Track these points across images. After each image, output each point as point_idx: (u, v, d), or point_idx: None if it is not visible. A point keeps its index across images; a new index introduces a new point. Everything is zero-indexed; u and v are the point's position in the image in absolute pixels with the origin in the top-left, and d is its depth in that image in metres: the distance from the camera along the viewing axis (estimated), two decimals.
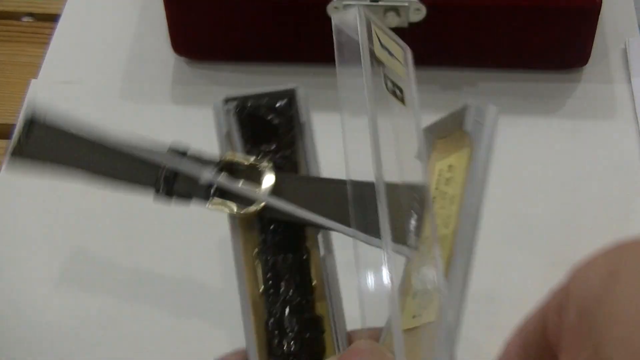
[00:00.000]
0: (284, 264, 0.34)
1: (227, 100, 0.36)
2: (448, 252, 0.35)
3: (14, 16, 0.68)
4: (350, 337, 0.34)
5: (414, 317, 0.34)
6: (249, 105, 0.35)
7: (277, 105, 0.36)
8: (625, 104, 0.60)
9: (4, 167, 0.58)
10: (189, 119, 0.61)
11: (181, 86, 0.63)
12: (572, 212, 0.55)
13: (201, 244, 0.53)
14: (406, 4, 0.56)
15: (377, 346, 0.31)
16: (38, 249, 0.54)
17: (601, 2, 0.57)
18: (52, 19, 0.67)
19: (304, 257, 0.34)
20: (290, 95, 0.36)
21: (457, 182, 0.38)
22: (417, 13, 0.57)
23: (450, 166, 0.40)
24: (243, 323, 0.33)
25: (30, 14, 0.69)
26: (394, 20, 0.57)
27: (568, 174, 0.57)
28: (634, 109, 0.60)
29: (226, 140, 0.37)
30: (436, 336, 0.32)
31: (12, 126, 0.60)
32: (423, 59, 0.62)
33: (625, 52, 0.63)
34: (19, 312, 0.52)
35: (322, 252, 0.35)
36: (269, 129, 0.35)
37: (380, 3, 0.56)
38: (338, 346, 0.33)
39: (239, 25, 0.60)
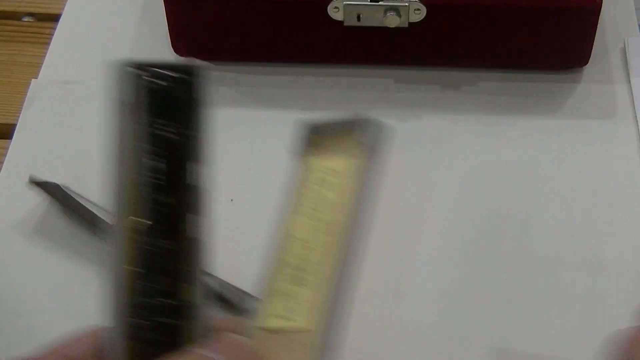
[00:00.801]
0: (158, 249, 0.33)
1: (134, 67, 0.35)
2: (330, 261, 0.35)
3: (15, 16, 0.69)
4: (216, 326, 0.34)
5: (279, 318, 0.35)
6: (157, 76, 0.35)
7: (184, 80, 0.35)
8: (625, 103, 0.60)
9: (4, 166, 0.58)
10: None
11: None
12: (572, 211, 0.55)
13: None
14: (406, 4, 0.56)
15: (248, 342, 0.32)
16: (37, 247, 0.54)
17: (601, 2, 0.57)
18: (53, 18, 0.67)
19: (178, 245, 0.33)
20: (195, 72, 0.35)
21: (343, 190, 0.38)
22: (418, 13, 0.57)
23: (334, 170, 0.39)
24: (107, 302, 0.32)
25: (31, 14, 0.69)
26: (394, 20, 0.57)
27: (567, 174, 0.57)
28: (634, 108, 0.60)
29: (127, 108, 0.37)
30: (312, 347, 0.33)
31: (13, 126, 0.60)
32: (423, 59, 0.62)
33: (624, 52, 0.63)
34: (18, 312, 0.52)
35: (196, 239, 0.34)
36: (172, 104, 0.34)
37: (380, 3, 0.56)
38: (201, 334, 0.33)
39: (239, 26, 0.60)
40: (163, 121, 0.33)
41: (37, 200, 0.57)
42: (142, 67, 0.34)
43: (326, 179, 0.39)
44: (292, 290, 0.36)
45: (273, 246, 0.37)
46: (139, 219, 0.32)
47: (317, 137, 0.41)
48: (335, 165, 0.39)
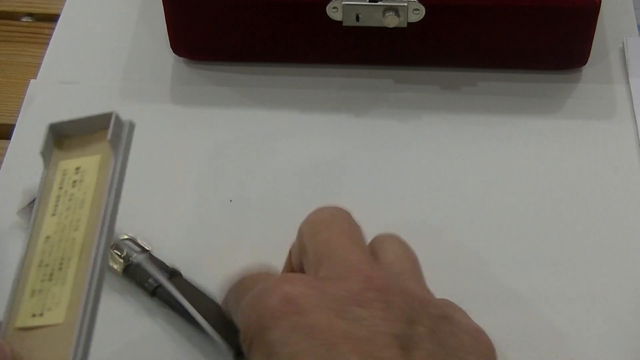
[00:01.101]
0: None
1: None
2: (78, 255, 0.37)
3: (13, 16, 0.68)
4: None
5: (33, 316, 0.36)
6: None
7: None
8: (624, 103, 0.60)
9: (3, 166, 0.58)
10: (188, 119, 0.61)
11: (180, 86, 0.63)
12: (571, 212, 0.55)
13: None
14: (405, 4, 0.56)
15: None
16: None
17: (600, 2, 0.57)
18: (52, 19, 0.67)
19: None
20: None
21: (88, 186, 0.39)
22: (417, 13, 0.57)
23: (78, 168, 0.40)
24: None
25: (30, 14, 0.69)
26: (393, 20, 0.57)
27: (567, 174, 0.57)
28: (632, 108, 0.60)
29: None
30: (68, 339, 0.34)
31: (12, 126, 0.60)
32: (422, 59, 0.62)
33: (623, 52, 0.63)
34: None
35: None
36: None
37: (379, 3, 0.56)
38: None
39: (238, 26, 0.60)
40: None
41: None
42: None
43: (74, 179, 0.40)
44: (43, 287, 0.37)
45: (23, 250, 0.38)
46: None
47: (64, 138, 0.42)
48: (82, 164, 0.40)
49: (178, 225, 0.55)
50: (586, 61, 0.61)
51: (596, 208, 0.55)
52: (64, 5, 0.68)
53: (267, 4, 0.58)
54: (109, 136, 0.40)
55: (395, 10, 0.56)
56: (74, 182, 0.40)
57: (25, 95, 0.62)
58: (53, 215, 0.39)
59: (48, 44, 0.65)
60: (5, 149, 0.59)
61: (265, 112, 0.61)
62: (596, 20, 0.58)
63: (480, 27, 0.59)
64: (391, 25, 0.57)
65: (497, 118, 0.60)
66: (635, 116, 0.59)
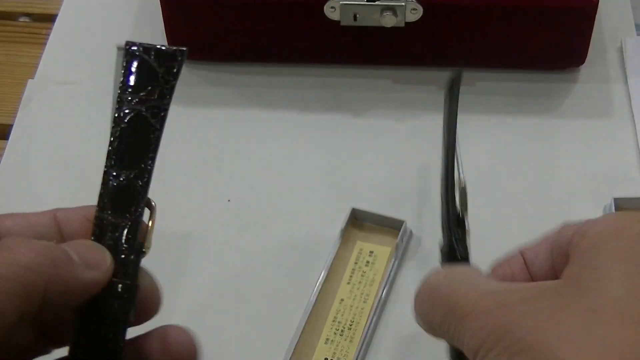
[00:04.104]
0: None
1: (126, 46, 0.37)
2: (364, 322, 0.50)
3: (11, 16, 0.68)
4: None
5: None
6: (139, 50, 0.37)
7: (162, 56, 0.37)
8: (622, 103, 0.60)
9: (1, 166, 0.58)
10: (188, 119, 0.61)
11: (179, 87, 0.62)
12: (571, 211, 0.55)
13: None
14: (403, 4, 0.56)
15: None
16: None
17: (598, 2, 0.57)
18: (49, 19, 0.67)
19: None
20: (179, 55, 0.37)
21: (378, 270, 0.52)
22: (414, 13, 0.57)
23: (371, 252, 0.53)
24: None
25: (27, 14, 0.69)
26: (390, 20, 0.57)
27: (566, 174, 0.57)
28: (630, 108, 0.60)
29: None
30: None
31: (9, 126, 0.60)
32: (420, 59, 0.62)
33: (621, 52, 0.63)
34: None
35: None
36: (149, 76, 0.36)
37: (377, 3, 0.56)
38: None
39: (237, 26, 0.60)
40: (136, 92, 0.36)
41: (34, 200, 0.57)
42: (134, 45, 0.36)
43: (368, 260, 0.52)
44: (334, 339, 0.49)
45: (320, 304, 0.50)
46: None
47: (362, 222, 0.54)
48: (375, 250, 0.53)
49: (177, 225, 0.55)
50: (584, 61, 0.61)
51: (595, 207, 0.55)
52: (61, 5, 0.68)
53: (264, 4, 0.58)
54: (397, 240, 0.52)
55: (392, 9, 0.56)
56: (367, 262, 0.52)
57: (23, 95, 0.62)
58: (348, 283, 0.51)
59: (46, 44, 0.65)
60: (4, 149, 0.59)
61: (263, 112, 0.61)
62: (594, 20, 0.58)
63: (478, 27, 0.59)
64: (389, 25, 0.57)
65: (495, 117, 0.60)
66: (633, 115, 0.59)
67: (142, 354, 0.34)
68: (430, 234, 0.54)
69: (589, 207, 0.55)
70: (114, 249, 0.33)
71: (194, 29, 0.61)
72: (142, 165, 0.34)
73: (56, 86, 0.63)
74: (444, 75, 0.63)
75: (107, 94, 0.62)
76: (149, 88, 0.35)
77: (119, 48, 0.36)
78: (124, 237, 0.33)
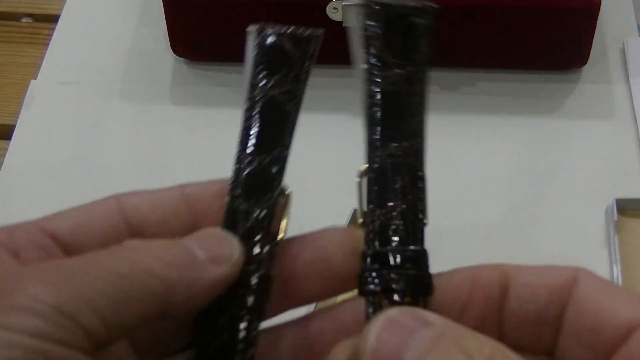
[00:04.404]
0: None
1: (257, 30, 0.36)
2: None
3: (13, 17, 0.68)
4: None
5: None
6: (272, 33, 0.35)
7: (297, 39, 0.35)
8: (624, 104, 0.60)
9: (3, 166, 0.58)
10: (188, 119, 0.61)
11: (180, 87, 0.63)
12: (572, 212, 0.55)
13: None
14: None
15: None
16: None
17: (600, 2, 0.57)
18: (52, 19, 0.67)
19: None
20: (315, 39, 0.35)
21: None
22: None
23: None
24: None
25: (30, 15, 0.69)
26: None
27: (567, 174, 0.57)
28: (633, 109, 0.60)
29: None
30: None
31: (12, 127, 0.60)
32: None
33: (623, 52, 0.63)
34: None
35: None
36: (282, 60, 0.34)
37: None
38: None
39: (238, 26, 0.60)
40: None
41: (35, 201, 0.57)
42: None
43: None
44: None
45: (321, 305, 0.40)
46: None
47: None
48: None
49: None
50: (586, 61, 0.61)
51: (596, 208, 0.55)
52: (63, 5, 0.68)
53: (266, 5, 0.58)
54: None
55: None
56: None
57: (25, 95, 0.62)
58: None
59: (48, 44, 0.65)
60: (6, 149, 0.59)
61: None
62: (596, 20, 0.58)
63: (479, 27, 0.59)
64: None
65: (497, 118, 0.60)
66: (635, 116, 0.59)
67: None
68: (430, 234, 0.54)
69: (590, 208, 0.55)
70: (247, 239, 0.31)
71: (195, 29, 0.61)
72: (277, 151, 0.33)
73: (58, 86, 0.63)
74: (444, 76, 0.64)
75: (110, 94, 0.62)
76: (283, 72, 0.34)
77: (249, 32, 0.35)
78: (257, 226, 0.31)
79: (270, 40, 0.34)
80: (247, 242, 0.31)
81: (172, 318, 0.28)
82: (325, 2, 0.57)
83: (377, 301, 0.29)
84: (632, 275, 0.52)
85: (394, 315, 0.26)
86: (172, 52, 0.63)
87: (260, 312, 0.30)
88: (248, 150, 0.33)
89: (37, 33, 0.67)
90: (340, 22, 0.58)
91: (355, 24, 0.34)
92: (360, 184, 0.33)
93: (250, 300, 0.30)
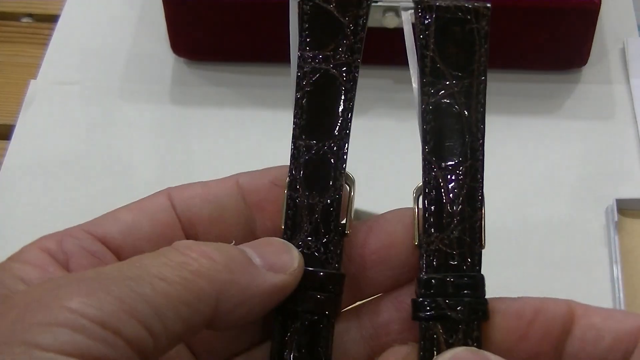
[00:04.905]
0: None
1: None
2: None
3: (13, 17, 0.68)
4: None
5: None
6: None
7: (346, 6, 0.31)
8: (624, 104, 0.60)
9: (3, 166, 0.58)
10: (188, 119, 0.61)
11: (180, 87, 0.63)
12: (573, 213, 0.55)
13: None
14: None
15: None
16: None
17: (600, 2, 0.57)
18: (51, 19, 0.67)
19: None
20: (365, 2, 0.31)
21: None
22: None
23: None
24: None
25: (30, 15, 0.69)
26: (393, 20, 0.57)
27: (567, 174, 0.57)
28: (633, 109, 0.60)
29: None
30: None
31: (11, 127, 0.60)
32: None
33: (623, 52, 0.63)
34: None
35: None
36: (333, 29, 0.30)
37: (379, 3, 0.56)
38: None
39: (238, 26, 0.60)
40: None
41: (35, 201, 0.57)
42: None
43: None
44: None
45: None
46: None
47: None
48: None
49: None
50: (586, 62, 0.61)
51: (597, 208, 0.55)
52: (63, 5, 0.68)
53: (266, 4, 0.58)
54: None
55: (395, 10, 0.56)
56: None
57: (25, 95, 0.62)
58: None
59: (48, 44, 0.65)
60: (5, 149, 0.59)
61: (264, 112, 0.61)
62: (596, 20, 0.58)
63: None
64: (391, 26, 0.57)
65: (497, 118, 0.60)
66: (635, 116, 0.59)
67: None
68: None
69: (590, 208, 0.55)
70: (314, 234, 0.28)
71: (196, 28, 0.61)
72: (337, 134, 0.30)
73: (58, 86, 0.63)
74: None
75: (110, 94, 0.62)
76: (336, 43, 0.30)
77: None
78: (322, 220, 0.28)
79: (315, 7, 0.30)
80: (314, 240, 0.28)
81: (224, 327, 0.26)
82: None
83: (430, 327, 0.28)
84: (632, 275, 0.52)
85: (461, 354, 0.26)
86: (172, 52, 0.63)
87: (331, 314, 0.28)
88: (304, 135, 0.30)
89: (37, 33, 0.67)
90: None
91: (406, 29, 0.32)
92: (416, 202, 0.30)
93: (319, 300, 0.28)
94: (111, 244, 0.28)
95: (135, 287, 0.24)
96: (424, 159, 0.30)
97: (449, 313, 0.27)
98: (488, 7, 0.30)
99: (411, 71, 0.31)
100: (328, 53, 0.30)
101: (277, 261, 0.27)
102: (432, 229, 0.29)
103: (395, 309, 0.29)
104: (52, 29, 0.66)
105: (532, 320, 0.28)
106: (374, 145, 0.59)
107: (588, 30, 0.59)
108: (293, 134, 0.30)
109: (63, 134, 0.60)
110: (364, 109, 0.61)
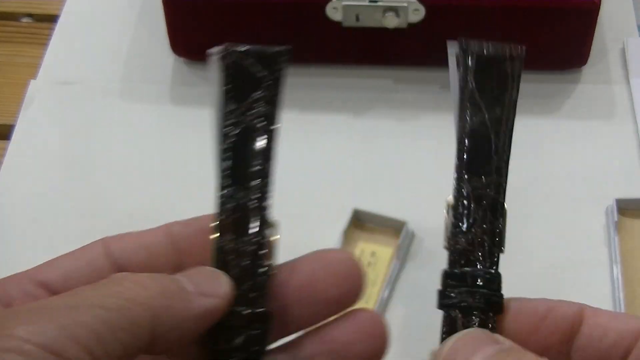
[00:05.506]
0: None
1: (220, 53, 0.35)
2: None
3: (13, 17, 0.68)
4: None
5: None
6: (235, 54, 0.35)
7: (264, 60, 0.35)
8: (624, 104, 0.60)
9: (3, 166, 0.58)
10: (188, 119, 0.61)
11: (180, 87, 0.63)
12: (573, 213, 0.55)
13: None
14: (405, 5, 0.56)
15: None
16: (37, 248, 0.54)
17: (600, 2, 0.57)
18: (51, 19, 0.67)
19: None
20: (282, 56, 0.36)
21: (379, 271, 0.52)
22: (416, 13, 0.57)
23: (373, 253, 0.53)
24: None
25: (29, 15, 0.69)
26: (392, 20, 0.57)
27: (568, 175, 0.57)
28: (633, 109, 0.60)
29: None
30: None
31: (12, 127, 0.60)
32: (422, 59, 0.62)
33: (623, 52, 0.63)
34: None
35: None
36: (251, 83, 0.34)
37: (379, 3, 0.56)
38: None
39: (238, 26, 0.60)
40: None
41: (35, 201, 0.57)
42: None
43: (369, 260, 0.53)
44: None
45: None
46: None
47: (364, 223, 0.54)
48: (377, 251, 0.53)
49: None
50: (586, 61, 0.61)
51: (597, 208, 0.55)
52: (63, 5, 0.68)
53: (266, 4, 0.58)
54: (399, 241, 0.52)
55: (395, 10, 0.56)
56: (369, 263, 0.52)
57: (25, 95, 0.62)
58: None
59: (48, 44, 0.65)
60: (5, 149, 0.59)
61: None
62: (596, 20, 0.58)
63: (480, 27, 0.59)
64: (391, 26, 0.57)
65: None
66: (635, 116, 0.59)
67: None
68: (432, 235, 0.54)
69: (590, 208, 0.55)
70: (240, 277, 0.30)
71: (195, 29, 0.61)
72: (259, 182, 0.32)
73: (58, 87, 0.63)
74: (446, 76, 0.63)
75: (110, 94, 0.62)
76: (254, 96, 0.34)
77: (211, 54, 0.34)
78: (248, 262, 0.31)
79: (233, 63, 0.34)
80: (240, 282, 0.30)
81: (163, 350, 0.28)
82: (325, 2, 0.57)
83: (453, 314, 0.32)
84: (632, 275, 0.52)
85: (474, 332, 0.30)
86: (172, 52, 0.63)
87: (261, 349, 0.30)
88: (228, 183, 0.31)
89: (36, 33, 0.67)
90: (340, 22, 0.58)
91: (451, 63, 0.37)
92: (447, 210, 0.35)
93: (246, 337, 0.30)
94: (51, 289, 0.30)
95: (76, 315, 0.26)
96: (457, 172, 0.34)
97: (468, 302, 0.32)
98: (523, 49, 0.35)
99: (451, 97, 0.36)
100: (247, 106, 0.33)
101: (208, 286, 0.29)
102: (459, 232, 0.34)
103: (319, 342, 0.32)
104: (52, 29, 0.66)
105: (544, 317, 0.31)
106: (374, 145, 0.59)
107: (588, 30, 0.59)
108: (221, 184, 0.31)
109: (63, 134, 0.60)
110: (365, 108, 0.61)
